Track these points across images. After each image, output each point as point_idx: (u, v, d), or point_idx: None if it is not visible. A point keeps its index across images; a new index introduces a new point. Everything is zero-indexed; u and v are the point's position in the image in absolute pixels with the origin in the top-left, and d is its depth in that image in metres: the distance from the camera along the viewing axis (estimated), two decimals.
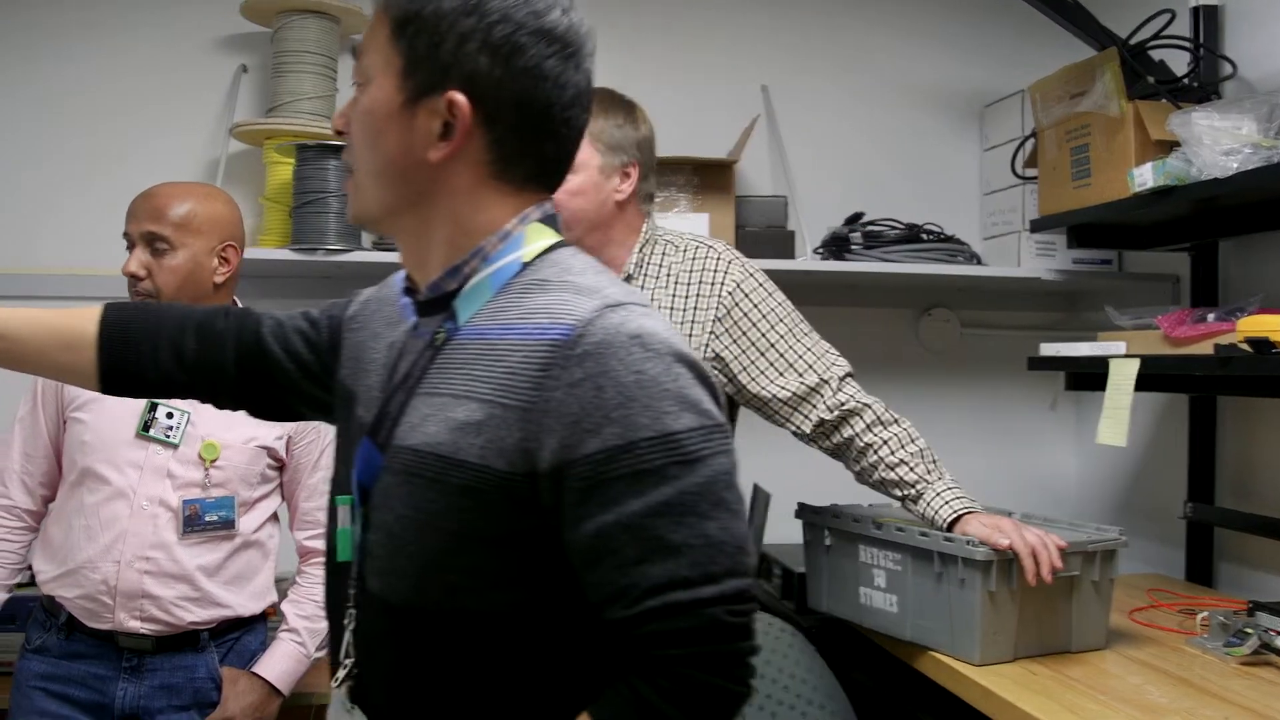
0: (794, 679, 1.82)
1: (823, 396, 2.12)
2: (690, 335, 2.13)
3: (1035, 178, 2.97)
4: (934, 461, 2.12)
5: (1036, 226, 2.92)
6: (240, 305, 2.28)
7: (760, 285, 2.17)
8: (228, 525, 2.21)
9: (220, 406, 1.50)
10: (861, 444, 2.11)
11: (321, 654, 2.27)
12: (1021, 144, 3.05)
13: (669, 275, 2.16)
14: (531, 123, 1.20)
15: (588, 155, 2.09)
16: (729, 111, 3.22)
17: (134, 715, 2.16)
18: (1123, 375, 2.41)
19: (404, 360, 1.27)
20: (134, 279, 2.17)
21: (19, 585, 2.29)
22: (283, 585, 2.38)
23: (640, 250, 2.17)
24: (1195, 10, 2.74)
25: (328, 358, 1.43)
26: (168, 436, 2.18)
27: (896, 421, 2.13)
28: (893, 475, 2.10)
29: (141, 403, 2.16)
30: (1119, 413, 2.40)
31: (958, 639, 2.02)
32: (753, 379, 2.13)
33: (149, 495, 2.16)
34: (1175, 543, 2.88)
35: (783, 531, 2.58)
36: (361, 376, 1.34)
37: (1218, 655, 2.05)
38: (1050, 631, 2.05)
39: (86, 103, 3.02)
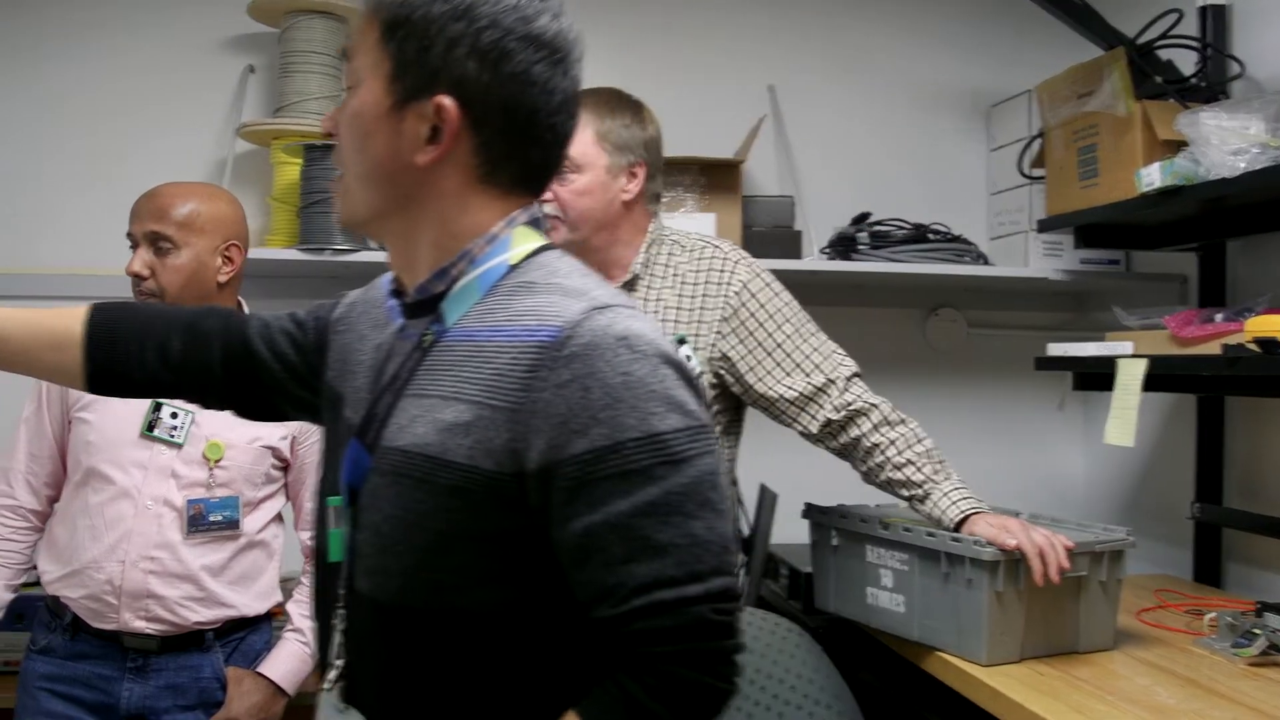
0: (800, 679, 1.81)
1: (830, 396, 2.12)
2: (697, 335, 2.13)
3: (1042, 178, 2.96)
4: (941, 462, 2.11)
5: (1044, 226, 2.91)
6: (245, 305, 2.31)
7: (767, 285, 2.16)
8: (232, 525, 2.21)
9: (207, 406, 1.51)
10: (868, 444, 2.11)
11: None
12: (1028, 144, 3.04)
13: (676, 275, 2.16)
14: (519, 127, 1.21)
15: (595, 155, 2.10)
16: (735, 112, 3.21)
17: (139, 715, 2.15)
18: (1130, 375, 2.40)
19: (391, 362, 1.28)
20: (137, 279, 2.17)
21: (25, 585, 2.29)
22: (288, 585, 2.38)
23: (647, 250, 2.17)
24: (1203, 10, 2.74)
25: (314, 359, 1.44)
26: (172, 436, 2.18)
27: (904, 421, 2.13)
28: (900, 475, 2.09)
29: (146, 403, 2.16)
30: (1126, 413, 2.39)
31: (965, 639, 2.02)
32: (760, 379, 2.13)
33: (153, 495, 2.16)
34: (1183, 543, 2.88)
35: (789, 531, 2.57)
36: (348, 378, 1.35)
37: (1226, 656, 2.04)
38: (1057, 632, 2.05)
39: (94, 103, 3.03)
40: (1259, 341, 2.11)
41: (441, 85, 1.18)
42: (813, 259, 3.06)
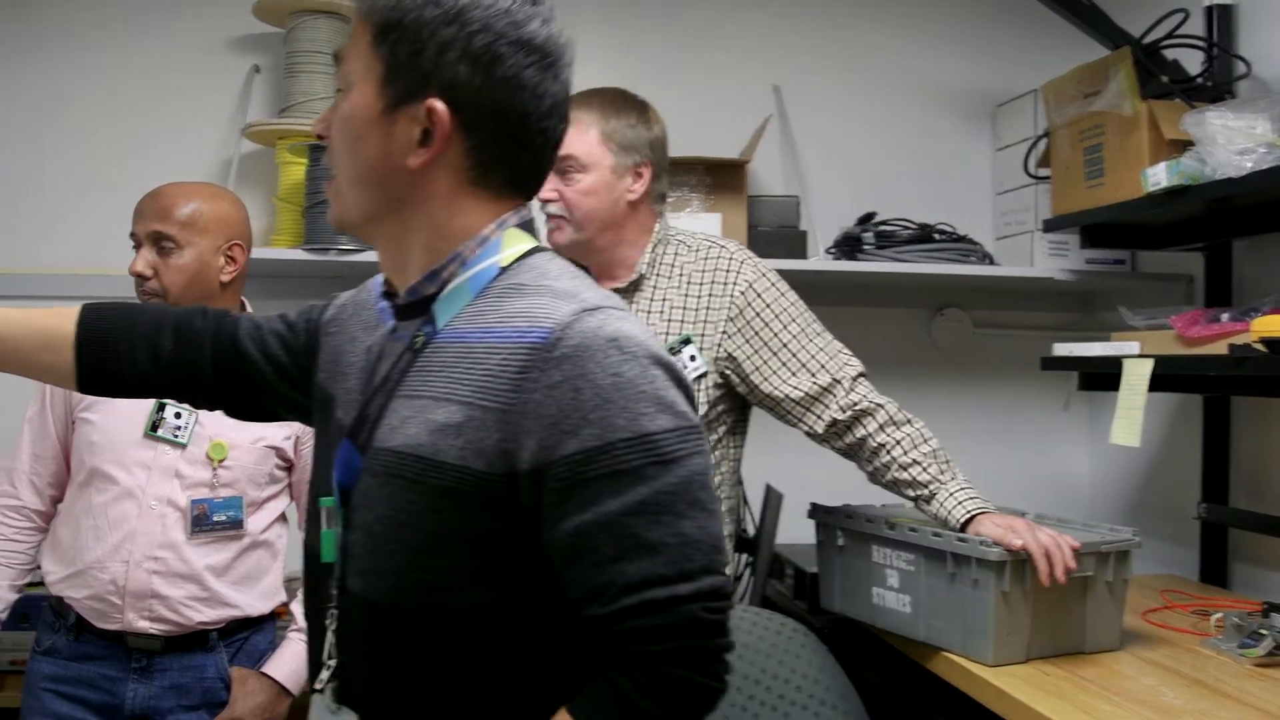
0: (806, 679, 1.81)
1: (835, 396, 2.12)
2: (703, 335, 2.12)
3: (1048, 177, 2.96)
4: (947, 462, 2.11)
5: (1049, 226, 2.91)
6: (248, 305, 2.31)
7: (773, 285, 2.16)
8: (236, 525, 2.21)
9: (198, 406, 1.52)
10: (874, 444, 2.10)
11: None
12: (1034, 144, 3.04)
13: (682, 275, 2.16)
14: (510, 131, 1.22)
15: (600, 155, 2.10)
16: (741, 112, 3.21)
17: (144, 715, 2.15)
18: (1136, 375, 2.40)
19: (383, 363, 1.28)
20: (141, 278, 2.17)
21: (29, 585, 2.29)
22: (292, 585, 2.37)
23: (653, 250, 2.17)
24: (1209, 9, 2.73)
25: (304, 361, 1.44)
26: (175, 436, 2.18)
27: (909, 422, 2.12)
28: (905, 475, 2.09)
29: (150, 403, 2.16)
30: (1133, 413, 2.39)
31: (971, 639, 2.01)
32: (765, 379, 2.12)
33: (157, 495, 2.16)
34: (1189, 543, 2.87)
35: (795, 532, 2.57)
36: (339, 379, 1.36)
37: (1232, 656, 2.04)
38: (1064, 632, 2.04)
39: (98, 103, 3.03)
40: (1265, 341, 2.10)
41: (433, 89, 1.19)
42: (818, 259, 3.06)
